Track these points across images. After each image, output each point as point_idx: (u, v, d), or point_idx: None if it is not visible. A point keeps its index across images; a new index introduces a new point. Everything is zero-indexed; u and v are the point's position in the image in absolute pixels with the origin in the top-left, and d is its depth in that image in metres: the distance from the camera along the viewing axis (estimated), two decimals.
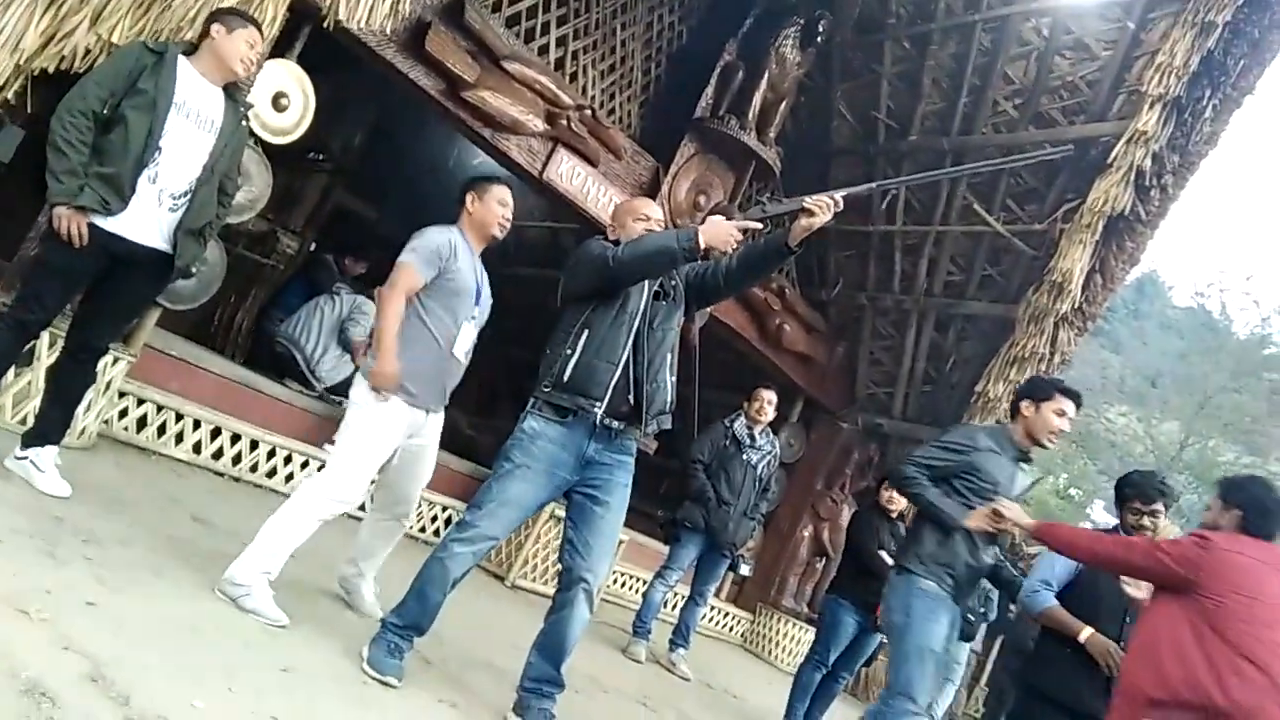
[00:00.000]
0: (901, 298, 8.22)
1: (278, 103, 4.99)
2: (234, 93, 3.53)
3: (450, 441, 5.04)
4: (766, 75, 6.62)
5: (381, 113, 8.62)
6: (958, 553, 3.51)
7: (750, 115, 6.54)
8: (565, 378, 2.97)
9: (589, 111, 6.07)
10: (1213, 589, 2.77)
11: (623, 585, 7.32)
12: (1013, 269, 7.43)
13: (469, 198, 3.51)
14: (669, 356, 3.16)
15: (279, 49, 4.80)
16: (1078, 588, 3.69)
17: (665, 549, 5.85)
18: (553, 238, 9.51)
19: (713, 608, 8.12)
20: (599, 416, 2.96)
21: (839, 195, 2.97)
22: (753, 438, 5.74)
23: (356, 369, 5.69)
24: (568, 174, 6.10)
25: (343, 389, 5.77)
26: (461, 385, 3.56)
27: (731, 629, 8.51)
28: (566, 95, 5.92)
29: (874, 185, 3.26)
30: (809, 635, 7.18)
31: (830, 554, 8.49)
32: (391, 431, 3.31)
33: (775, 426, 6.45)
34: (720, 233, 2.92)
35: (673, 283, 3.18)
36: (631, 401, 3.02)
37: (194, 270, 3.65)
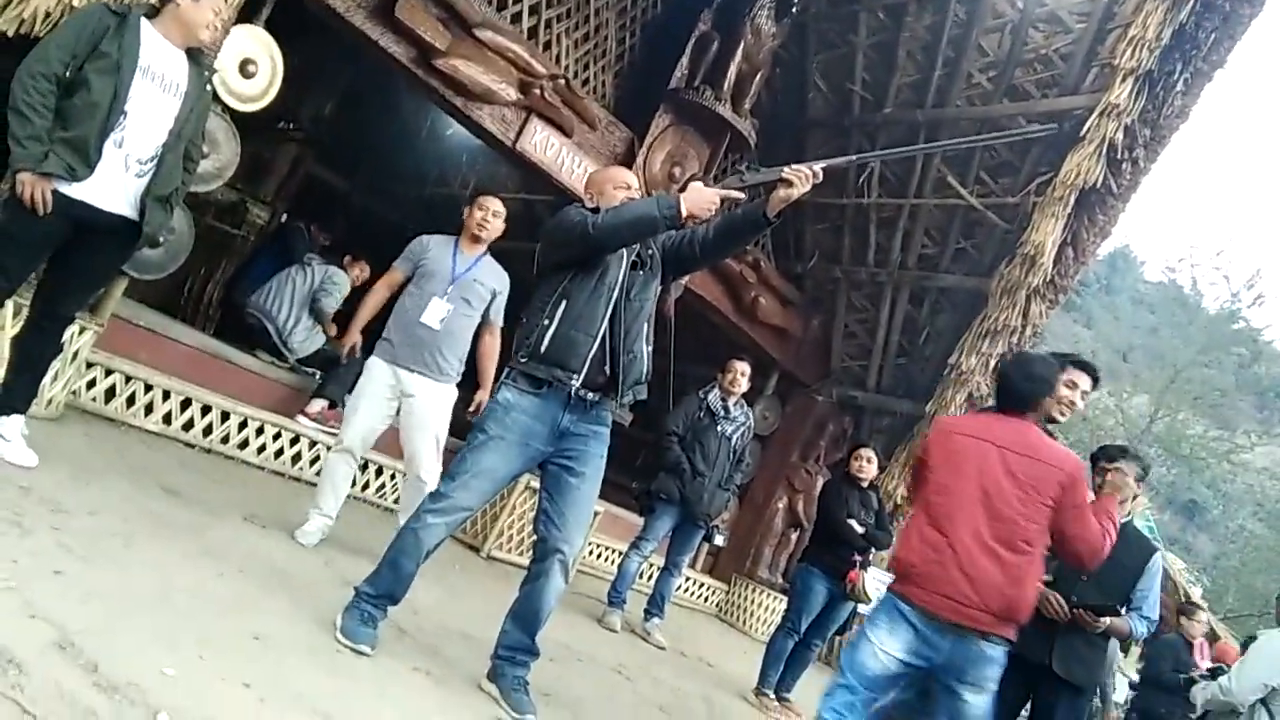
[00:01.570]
0: (876, 270, 8.25)
1: (245, 69, 4.91)
2: (197, 57, 3.47)
3: None
4: (742, 46, 6.57)
5: (352, 81, 8.51)
6: None
7: (725, 87, 6.50)
8: (542, 349, 2.96)
9: (563, 81, 6.02)
10: (929, 466, 3.13)
11: (598, 556, 7.35)
12: (986, 242, 7.47)
13: (464, 210, 4.42)
14: (645, 327, 3.15)
15: (245, 14, 4.72)
16: None
17: (640, 520, 5.86)
18: (527, 209, 9.43)
19: (688, 578, 8.17)
20: (575, 388, 2.96)
21: (818, 166, 2.95)
22: (727, 409, 5.76)
23: (328, 339, 5.69)
24: (541, 144, 6.05)
25: (315, 360, 5.73)
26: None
27: (707, 599, 8.57)
28: (540, 64, 5.86)
29: (853, 158, 3.25)
30: (783, 605, 7.26)
31: (804, 525, 8.55)
32: (375, 382, 4.15)
33: (750, 399, 6.48)
34: (701, 200, 2.90)
35: (649, 252, 3.16)
36: (608, 373, 3.01)
37: (161, 238, 3.60)
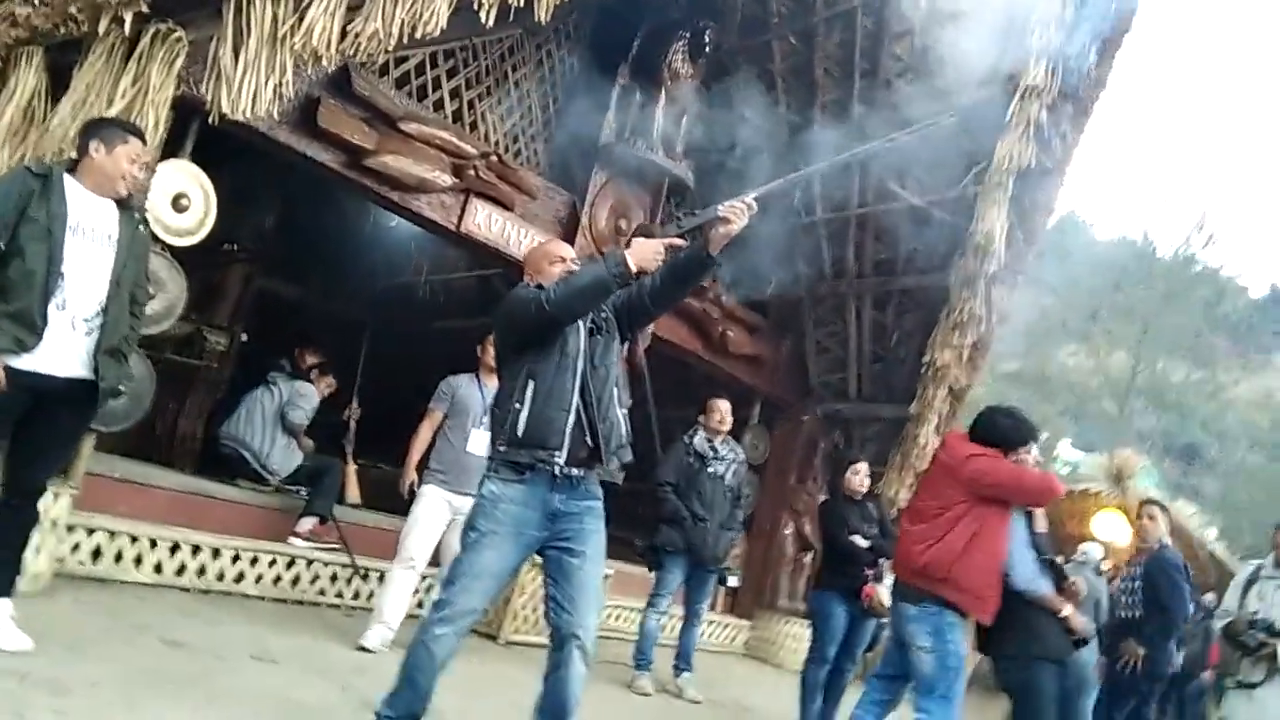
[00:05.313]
0: (835, 283, 8.30)
1: (178, 204, 4.90)
2: (126, 201, 3.46)
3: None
4: (664, 91, 6.67)
5: (289, 191, 8.50)
6: None
7: (655, 134, 6.58)
8: (519, 433, 2.93)
9: (495, 157, 6.05)
10: None
11: (616, 618, 7.25)
12: (937, 238, 7.53)
13: (479, 349, 5.11)
14: (615, 390, 3.14)
15: (170, 149, 4.72)
16: None
17: (652, 575, 5.79)
18: (481, 285, 9.46)
19: (710, 621, 8.06)
20: (560, 467, 2.93)
21: (750, 198, 2.98)
22: (715, 449, 5.74)
23: (305, 454, 5.62)
24: (485, 223, 6.07)
25: (298, 477, 5.66)
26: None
27: (733, 639, 8.47)
28: (469, 145, 5.90)
29: (781, 181, 3.28)
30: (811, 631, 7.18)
31: (815, 546, 8.48)
32: (431, 504, 4.79)
33: (736, 432, 6.45)
34: (646, 253, 2.92)
35: (604, 315, 3.16)
36: (589, 444, 2.99)
37: (121, 388, 3.55)
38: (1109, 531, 12.14)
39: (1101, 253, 35.12)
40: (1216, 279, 34.63)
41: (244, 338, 8.83)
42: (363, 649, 4.51)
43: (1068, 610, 3.76)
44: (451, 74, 6.16)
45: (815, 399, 8.78)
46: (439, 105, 6.09)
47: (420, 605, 5.42)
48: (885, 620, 5.25)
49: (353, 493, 6.15)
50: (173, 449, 7.32)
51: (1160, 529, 5.85)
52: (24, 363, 3.07)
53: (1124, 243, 35.40)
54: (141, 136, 3.42)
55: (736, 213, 2.93)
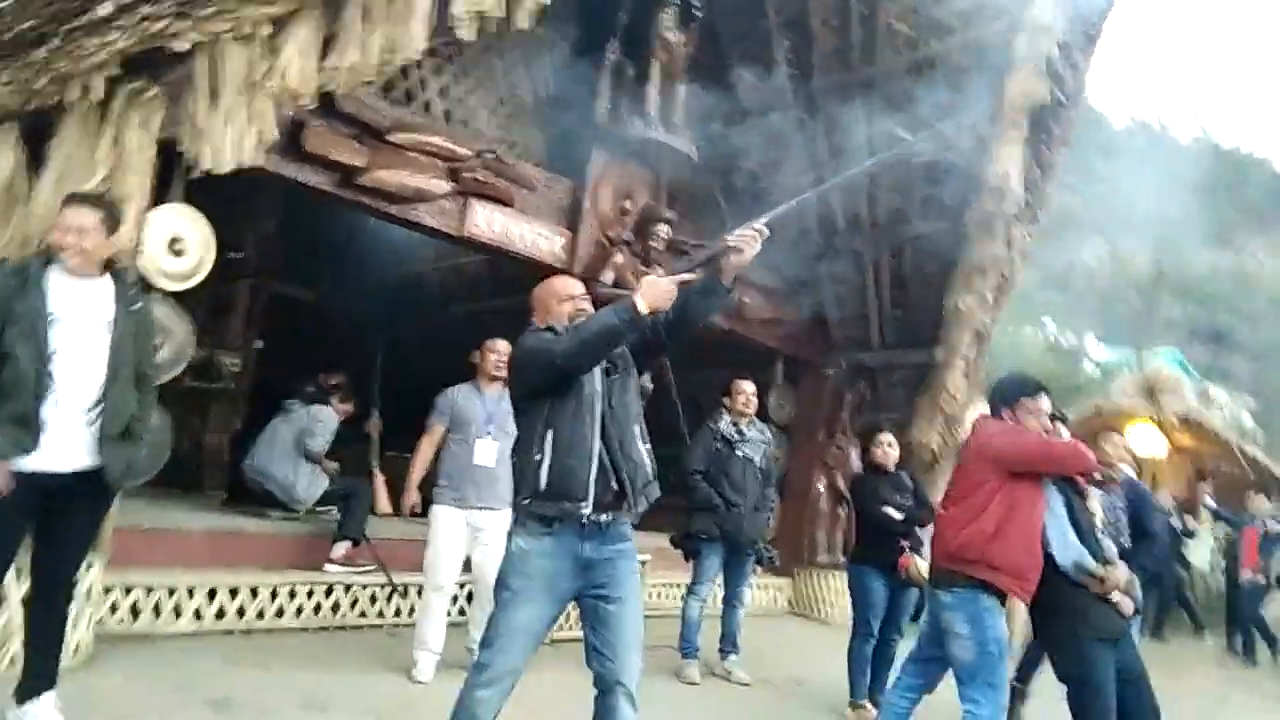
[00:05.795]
0: (850, 235, 8.10)
1: (174, 248, 4.79)
2: (120, 275, 3.36)
3: None
4: (656, 64, 6.43)
5: (288, 193, 8.36)
6: None
7: (651, 109, 6.35)
8: (542, 486, 2.87)
9: (491, 154, 5.88)
10: None
11: (658, 595, 7.27)
12: (951, 182, 7.30)
13: (476, 355, 4.94)
14: (637, 428, 3.07)
15: (160, 195, 4.60)
16: None
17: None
18: (491, 268, 9.32)
19: (750, 585, 8.07)
20: (587, 516, 2.87)
21: (760, 224, 2.91)
22: (741, 433, 5.67)
23: (331, 478, 5.59)
24: (487, 223, 5.93)
25: (329, 499, 5.64)
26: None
27: (776, 600, 8.51)
28: (463, 146, 5.72)
29: (793, 202, 3.15)
30: None
31: (849, 500, 8.44)
32: (448, 526, 4.64)
33: (761, 394, 6.29)
34: (659, 294, 2.82)
35: (618, 352, 3.07)
36: (616, 488, 2.92)
37: (135, 469, 3.50)
38: (1143, 445, 12.08)
39: (1118, 144, 34.20)
40: (1237, 159, 33.83)
41: (259, 346, 8.81)
42: (415, 680, 4.53)
43: (1117, 596, 3.68)
44: (437, 71, 5.96)
45: (838, 352, 8.66)
46: (427, 107, 5.91)
47: (462, 613, 5.46)
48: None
49: (383, 504, 6.10)
50: (201, 474, 7.35)
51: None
52: (28, 462, 3.03)
53: (1140, 130, 34.55)
54: (84, 201, 3.24)
55: (748, 241, 2.86)
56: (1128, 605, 3.74)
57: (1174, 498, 10.60)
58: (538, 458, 2.88)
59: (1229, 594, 9.97)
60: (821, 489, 8.64)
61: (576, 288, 3.23)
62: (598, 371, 2.98)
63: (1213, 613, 10.76)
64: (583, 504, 2.86)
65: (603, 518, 2.91)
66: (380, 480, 6.19)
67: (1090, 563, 3.65)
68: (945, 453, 8.27)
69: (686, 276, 2.95)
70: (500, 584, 2.96)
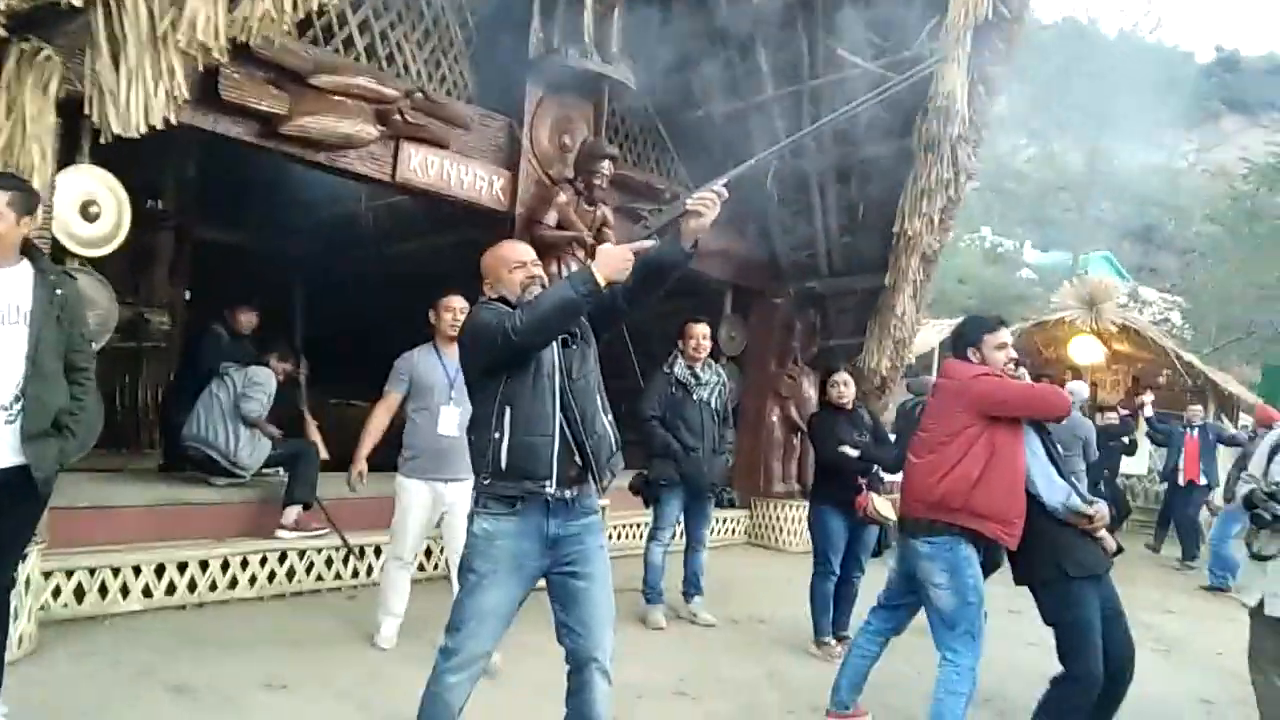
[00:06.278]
0: (795, 160, 7.93)
1: (87, 212, 4.48)
2: (38, 261, 3.10)
3: None
4: None
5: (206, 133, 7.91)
6: None
7: (586, 39, 6.04)
8: (503, 465, 2.75)
9: (420, 93, 5.58)
10: None
11: (620, 536, 7.27)
12: (897, 102, 7.14)
13: (431, 314, 4.57)
14: (598, 398, 2.95)
15: (69, 156, 4.27)
16: None
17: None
18: (430, 205, 8.99)
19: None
20: (551, 494, 2.77)
21: (719, 185, 2.78)
22: (696, 376, 5.58)
23: (273, 441, 5.39)
24: (421, 167, 5.66)
25: (274, 463, 5.46)
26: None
27: (733, 531, 8.58)
28: (390, 87, 5.40)
29: (752, 160, 3.02)
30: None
31: (802, 427, 8.48)
32: (415, 501, 4.44)
33: (712, 326, 6.17)
34: (614, 262, 2.69)
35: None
36: (579, 463, 2.83)
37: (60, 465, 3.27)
38: (1084, 354, 12.35)
39: (1044, 40, 33.90)
40: (1164, 53, 34.01)
41: (187, 297, 8.45)
42: (378, 648, 4.47)
43: (1102, 533, 3.67)
44: (355, 6, 5.57)
45: (787, 280, 8.59)
46: (349, 44, 5.54)
47: (421, 568, 5.38)
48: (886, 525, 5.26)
49: (321, 450, 5.87)
50: (137, 432, 7.09)
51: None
52: None
53: (1067, 25, 34.38)
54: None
55: (706, 204, 2.72)
56: (1111, 542, 3.75)
57: (1119, 411, 10.86)
58: (496, 435, 2.76)
59: (1167, 497, 10.32)
60: (775, 419, 8.67)
61: (527, 253, 3.06)
62: (556, 343, 2.85)
63: (1149, 515, 11.22)
64: (546, 482, 2.76)
65: (567, 493, 2.82)
66: (312, 425, 5.99)
67: (1078, 502, 3.63)
68: (894, 376, 8.35)
69: (645, 244, 2.82)
70: (465, 568, 2.85)
